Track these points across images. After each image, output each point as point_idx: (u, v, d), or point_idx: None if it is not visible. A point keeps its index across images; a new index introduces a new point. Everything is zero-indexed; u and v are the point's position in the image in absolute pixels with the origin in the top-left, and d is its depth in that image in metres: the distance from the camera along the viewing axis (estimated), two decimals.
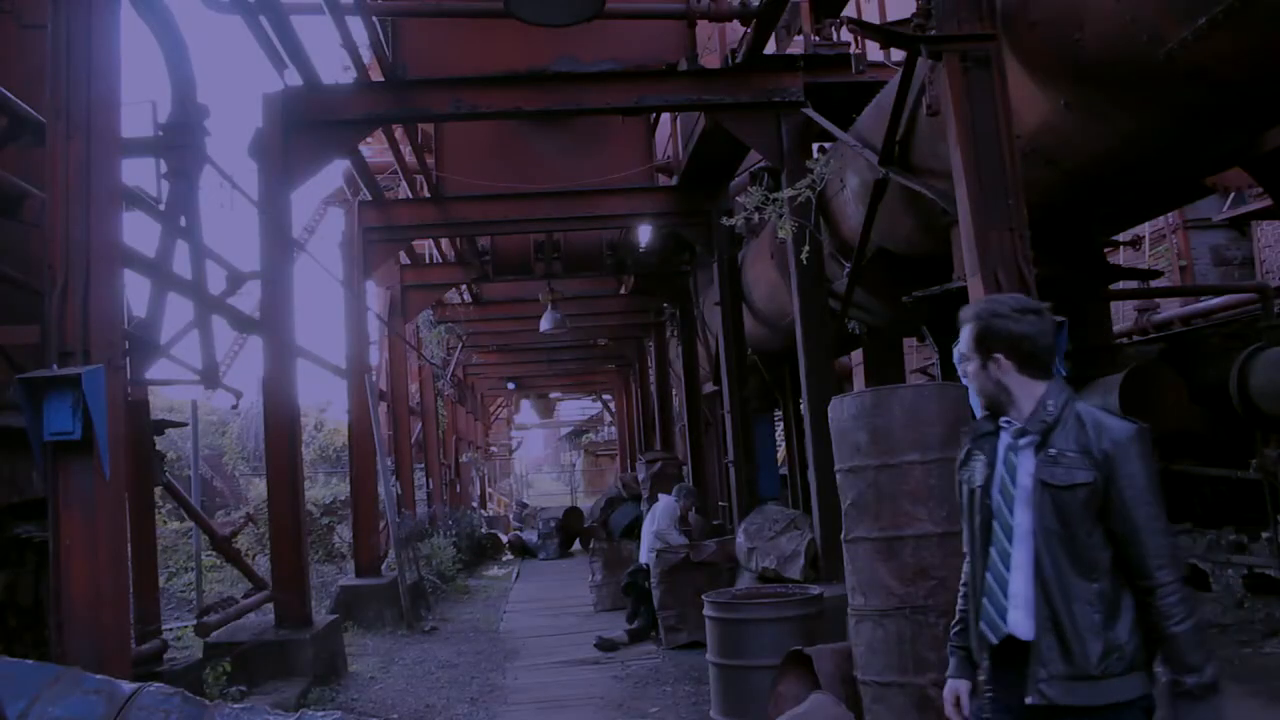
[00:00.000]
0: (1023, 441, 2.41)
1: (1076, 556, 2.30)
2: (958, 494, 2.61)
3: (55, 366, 3.94)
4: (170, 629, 8.31)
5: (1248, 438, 7.38)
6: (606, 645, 8.46)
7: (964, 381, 2.55)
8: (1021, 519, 2.36)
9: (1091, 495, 2.28)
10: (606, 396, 32.31)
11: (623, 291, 15.43)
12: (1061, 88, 4.66)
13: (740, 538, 8.22)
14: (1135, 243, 13.77)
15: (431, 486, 16.51)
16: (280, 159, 7.29)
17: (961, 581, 2.62)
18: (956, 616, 2.65)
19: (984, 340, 2.46)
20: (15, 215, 4.90)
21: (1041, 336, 2.47)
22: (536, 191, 9.99)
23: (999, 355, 2.46)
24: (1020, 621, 2.36)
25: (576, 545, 17.84)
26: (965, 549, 2.58)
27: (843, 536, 4.39)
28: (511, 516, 24.23)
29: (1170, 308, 11.64)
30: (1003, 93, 4.50)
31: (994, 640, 2.42)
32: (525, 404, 38.66)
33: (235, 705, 3.93)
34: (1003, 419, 2.47)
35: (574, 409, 44.66)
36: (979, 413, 2.64)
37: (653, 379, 18.36)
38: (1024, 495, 2.36)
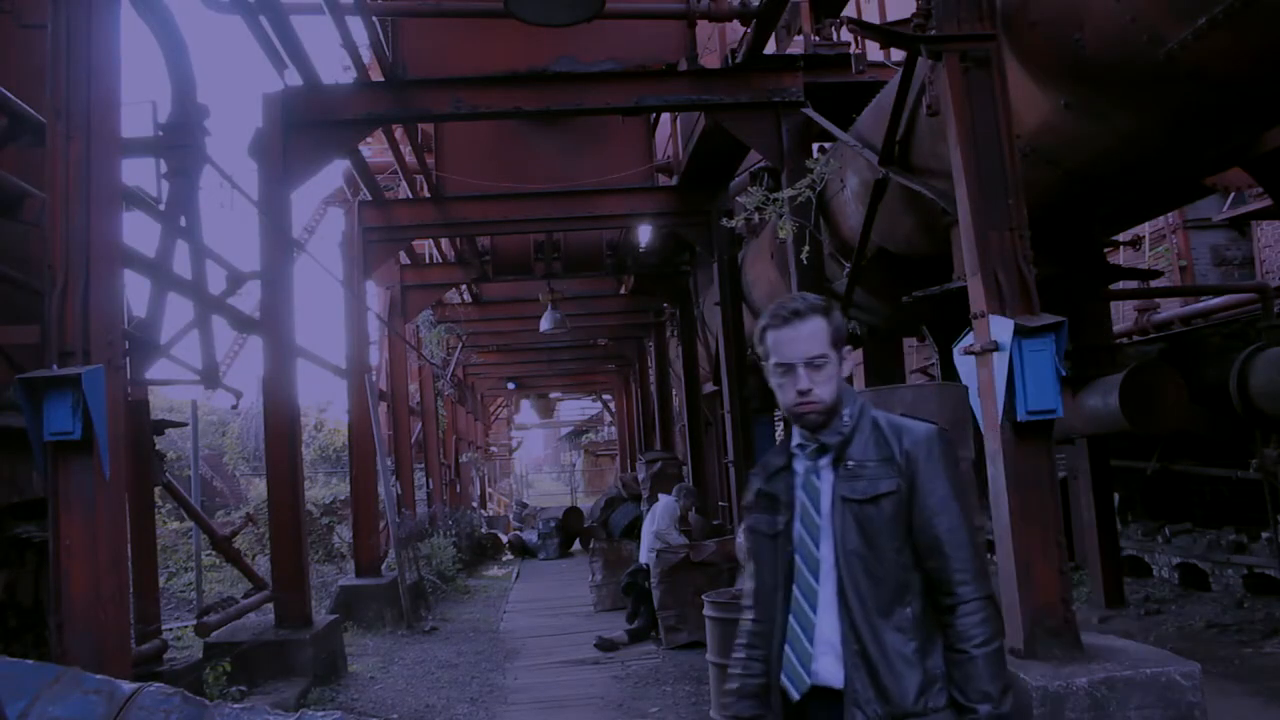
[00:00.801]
0: (822, 461, 2.12)
1: (884, 579, 2.02)
2: (748, 546, 2.26)
3: (55, 366, 3.94)
4: (170, 629, 8.31)
5: (1248, 438, 7.38)
6: (606, 645, 8.46)
7: (809, 399, 2.10)
8: (828, 550, 2.06)
9: (897, 506, 2.04)
10: (606, 396, 32.33)
11: (623, 291, 15.44)
12: (1061, 88, 4.66)
13: (740, 538, 8.21)
14: (1135, 243, 13.78)
15: (431, 486, 16.51)
16: (280, 159, 7.29)
17: (741, 644, 2.24)
18: (735, 683, 2.23)
19: (839, 335, 2.12)
20: (15, 215, 4.90)
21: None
22: (536, 191, 9.99)
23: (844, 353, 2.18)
24: (829, 668, 2.04)
25: (576, 545, 17.84)
26: (749, 602, 2.23)
27: None
28: (511, 516, 24.21)
29: (1170, 308, 11.65)
30: (1003, 93, 4.49)
31: (796, 694, 2.07)
32: (525, 404, 38.67)
33: (235, 705, 3.93)
34: (795, 443, 2.18)
35: (574, 409, 44.68)
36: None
37: (653, 379, 18.36)
38: (828, 521, 2.08)
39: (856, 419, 2.11)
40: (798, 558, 2.10)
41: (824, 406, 2.08)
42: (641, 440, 19.78)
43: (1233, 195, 12.03)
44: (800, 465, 2.15)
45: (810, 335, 2.08)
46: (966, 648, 2.00)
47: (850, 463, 2.08)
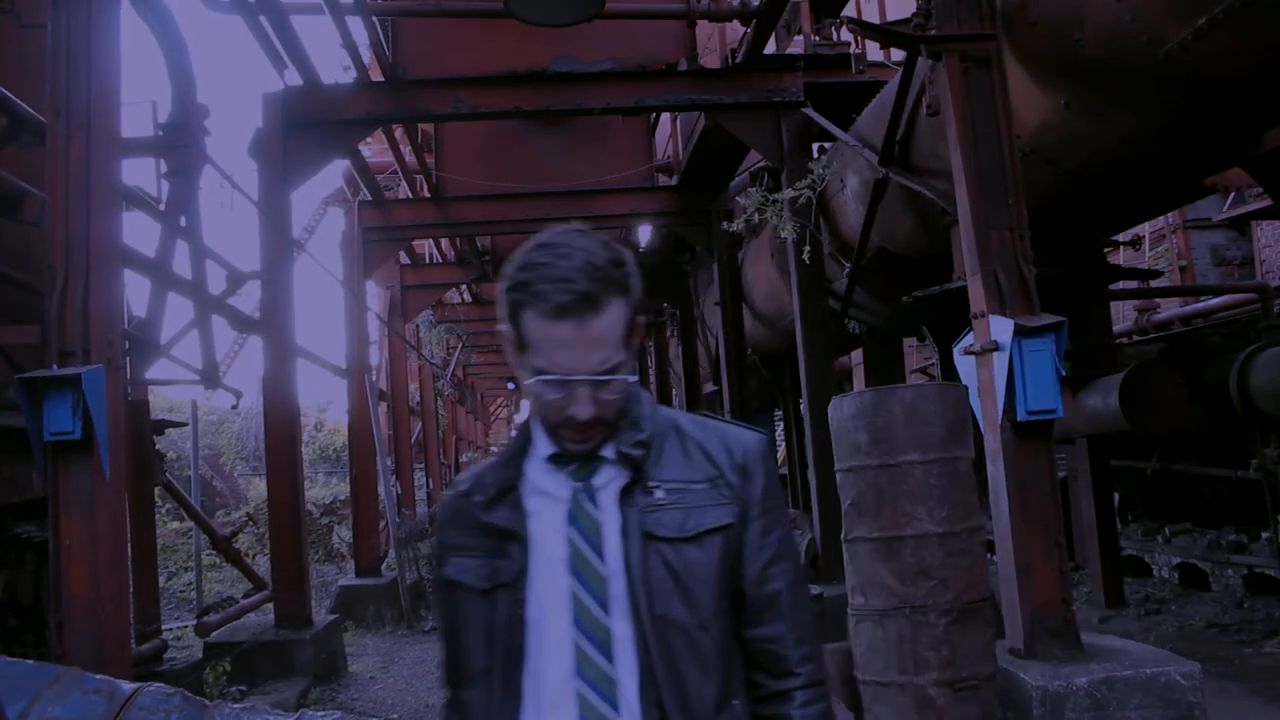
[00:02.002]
0: (600, 480, 1.39)
1: (711, 662, 1.35)
2: (438, 607, 1.54)
3: (55, 366, 3.94)
4: (170, 629, 8.31)
5: (1248, 438, 7.38)
6: None
7: (588, 430, 1.37)
8: (622, 616, 1.34)
9: (726, 548, 1.38)
10: None
11: None
12: (1061, 88, 4.66)
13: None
14: (1135, 243, 13.77)
15: (431, 486, 16.52)
16: (280, 159, 7.29)
17: None
18: None
19: (636, 312, 1.39)
20: (15, 215, 4.90)
21: None
22: (536, 191, 9.99)
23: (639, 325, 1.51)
24: None
25: None
26: (445, 690, 1.49)
27: (842, 536, 4.38)
28: None
29: (1170, 308, 11.65)
30: (1003, 93, 4.50)
31: None
32: (525, 404, 38.66)
33: (235, 705, 3.93)
34: (544, 454, 1.42)
35: None
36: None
37: (653, 379, 18.36)
38: (619, 572, 1.35)
39: (654, 420, 1.43)
40: (568, 629, 1.34)
41: (605, 430, 1.38)
42: None
43: (1233, 195, 12.02)
44: (554, 486, 1.40)
45: (604, 335, 1.32)
46: None
47: (656, 485, 1.38)
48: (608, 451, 1.40)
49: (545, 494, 1.41)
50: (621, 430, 1.41)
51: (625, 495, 1.38)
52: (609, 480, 1.39)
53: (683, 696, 1.32)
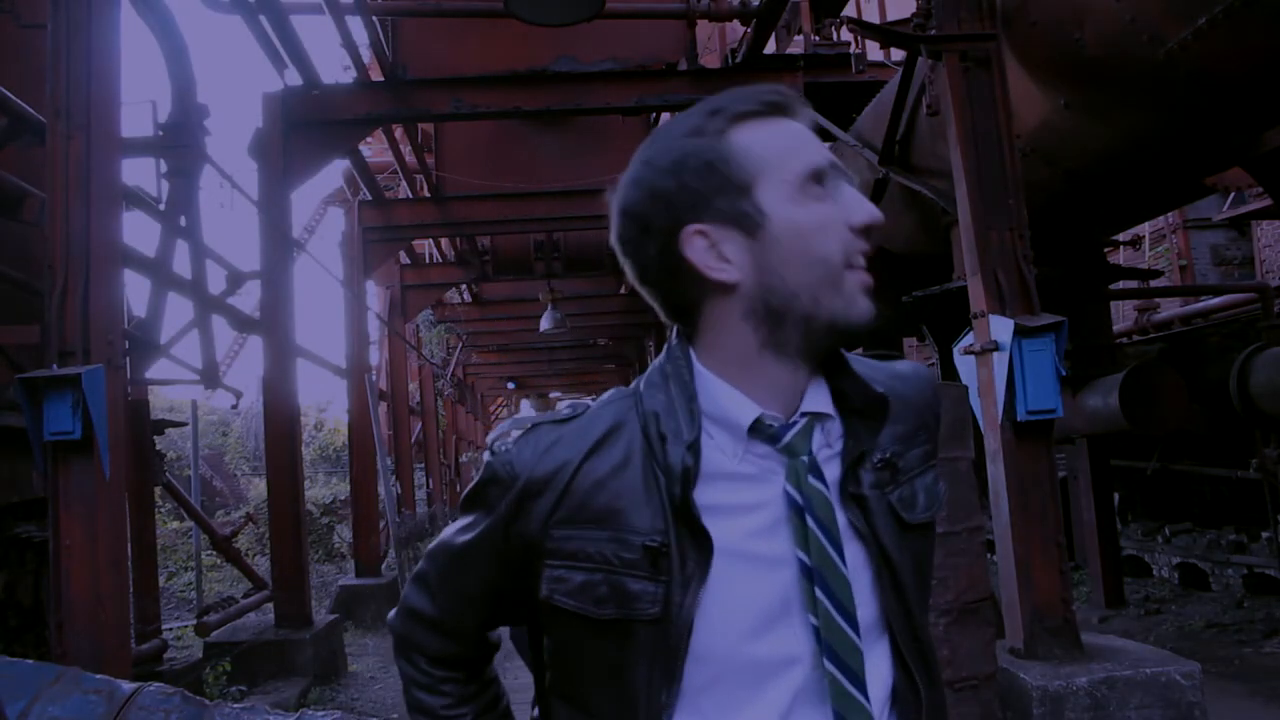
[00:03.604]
0: (820, 446, 1.00)
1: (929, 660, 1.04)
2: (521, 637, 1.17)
3: (55, 366, 3.94)
4: (170, 629, 8.31)
5: (1248, 438, 7.38)
6: None
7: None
8: (870, 612, 0.99)
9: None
10: None
11: (623, 291, 15.42)
12: (1061, 88, 4.67)
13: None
14: (1135, 243, 13.78)
15: (431, 486, 16.52)
16: (280, 159, 7.29)
17: None
18: None
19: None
20: (15, 215, 4.90)
21: None
22: (536, 191, 9.99)
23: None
24: None
25: None
26: None
27: None
28: None
29: (1170, 307, 11.64)
30: (1003, 93, 4.50)
31: None
32: (525, 404, 38.66)
33: (235, 705, 3.93)
34: (747, 420, 0.97)
35: None
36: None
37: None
38: (866, 575, 0.99)
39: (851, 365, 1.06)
40: (809, 669, 0.95)
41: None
42: None
43: (1233, 195, 12.02)
44: (747, 468, 0.97)
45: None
46: None
47: (885, 451, 1.03)
48: (818, 402, 1.00)
49: (734, 478, 0.97)
50: (835, 364, 1.02)
51: (853, 468, 1.00)
52: (819, 448, 1.00)
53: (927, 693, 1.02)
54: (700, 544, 0.94)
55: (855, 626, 0.95)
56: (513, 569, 1.03)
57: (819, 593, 0.94)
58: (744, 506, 0.96)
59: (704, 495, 0.95)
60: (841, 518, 0.97)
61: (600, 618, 0.96)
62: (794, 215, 0.96)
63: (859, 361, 1.08)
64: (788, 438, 0.97)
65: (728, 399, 0.98)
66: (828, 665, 0.94)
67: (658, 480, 0.95)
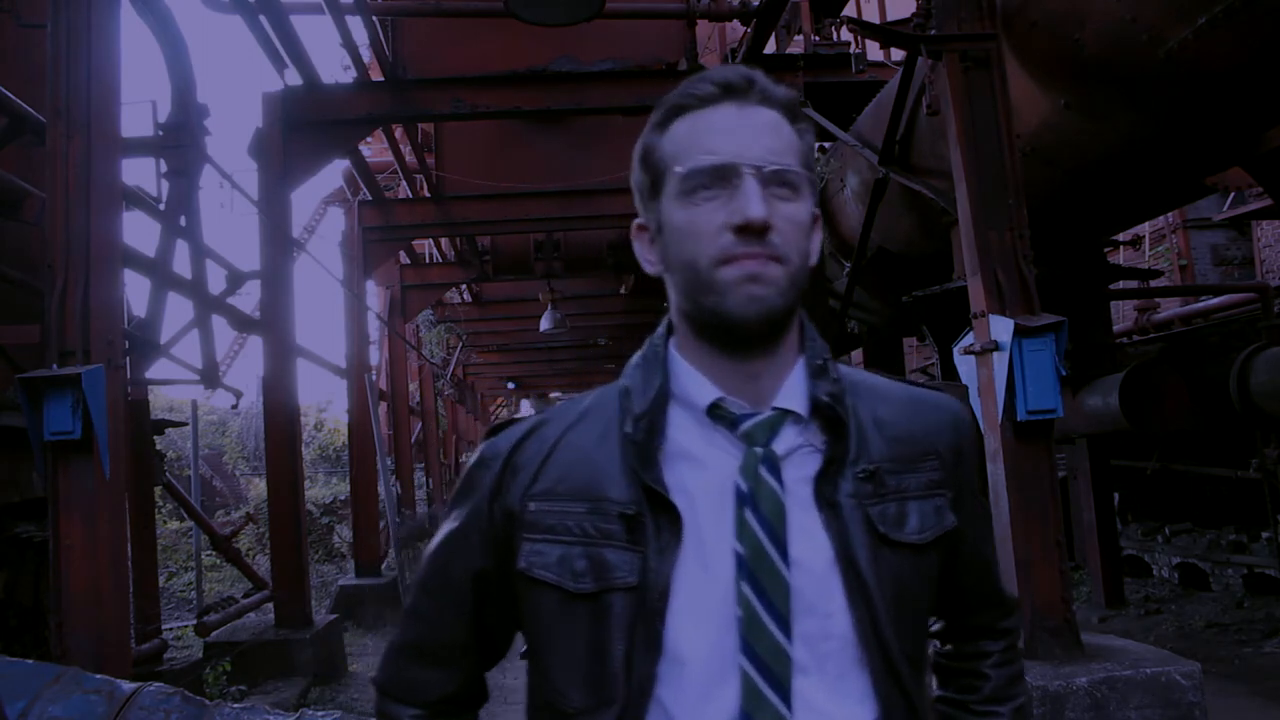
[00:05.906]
0: (782, 446, 0.98)
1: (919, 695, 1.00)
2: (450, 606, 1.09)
3: (55, 366, 3.94)
4: (170, 629, 8.31)
5: (1248, 438, 7.39)
6: None
7: (762, 248, 0.95)
8: (842, 625, 0.97)
9: (944, 556, 1.06)
10: None
11: (623, 291, 15.42)
12: (1061, 88, 4.67)
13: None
14: (1135, 243, 13.78)
15: (431, 486, 16.52)
16: (280, 159, 7.29)
17: None
18: None
19: (810, 162, 1.03)
20: (15, 215, 4.91)
21: None
22: (536, 191, 9.98)
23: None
24: None
25: None
26: None
27: None
28: None
29: (1170, 307, 11.65)
30: (1003, 93, 4.50)
31: None
32: (525, 404, 38.66)
33: (235, 705, 3.93)
34: (704, 403, 0.99)
35: None
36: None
37: None
38: (837, 588, 0.97)
39: (834, 366, 1.04)
40: (732, 655, 0.94)
41: (784, 280, 0.95)
42: None
43: (1233, 195, 12.02)
44: (708, 451, 0.99)
45: (775, 127, 0.99)
46: (1004, 711, 1.15)
47: (870, 462, 1.00)
48: (792, 400, 0.99)
49: (693, 460, 0.98)
50: (807, 351, 1.03)
51: (829, 471, 0.98)
52: (794, 448, 0.98)
53: None
54: (670, 515, 0.96)
55: (786, 628, 0.93)
56: (497, 549, 1.03)
57: (745, 587, 0.93)
58: (701, 488, 0.97)
59: (670, 474, 0.98)
60: (811, 519, 0.97)
61: (578, 591, 0.96)
62: (673, 217, 0.99)
63: (867, 376, 1.09)
64: (746, 426, 0.98)
65: (689, 379, 1.01)
66: (743, 661, 0.93)
67: (627, 454, 0.99)
